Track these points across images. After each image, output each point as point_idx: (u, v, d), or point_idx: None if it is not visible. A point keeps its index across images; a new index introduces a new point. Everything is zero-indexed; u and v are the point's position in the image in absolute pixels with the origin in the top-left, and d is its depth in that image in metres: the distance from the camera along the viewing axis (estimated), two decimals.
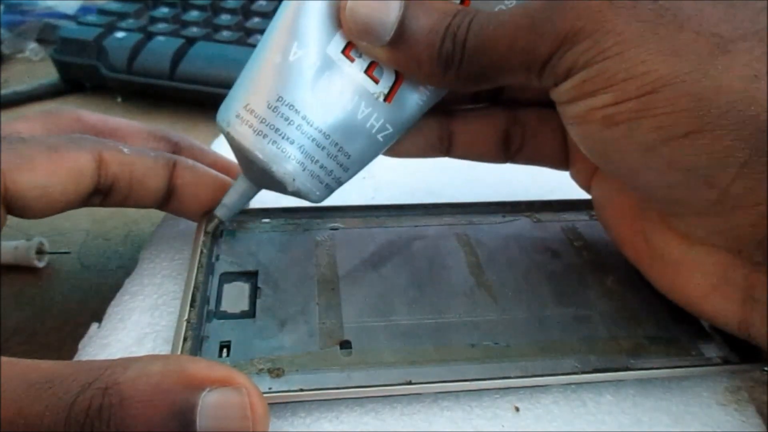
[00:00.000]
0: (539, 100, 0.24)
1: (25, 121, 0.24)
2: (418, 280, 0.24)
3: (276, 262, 0.25)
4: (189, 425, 0.15)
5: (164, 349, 0.22)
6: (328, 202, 0.24)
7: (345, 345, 0.21)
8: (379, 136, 0.22)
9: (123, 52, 0.44)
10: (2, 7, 0.55)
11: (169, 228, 0.28)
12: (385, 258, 0.25)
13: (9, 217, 0.21)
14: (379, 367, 0.20)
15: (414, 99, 0.22)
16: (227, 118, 0.21)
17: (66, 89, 0.47)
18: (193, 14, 0.48)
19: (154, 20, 0.47)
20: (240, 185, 0.23)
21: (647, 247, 0.22)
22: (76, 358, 0.22)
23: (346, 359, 0.21)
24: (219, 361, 0.20)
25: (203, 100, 0.42)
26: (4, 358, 0.16)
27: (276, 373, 0.20)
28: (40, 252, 0.29)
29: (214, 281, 0.24)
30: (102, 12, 0.49)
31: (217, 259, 0.25)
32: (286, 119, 0.20)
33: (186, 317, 0.21)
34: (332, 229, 0.27)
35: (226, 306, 0.23)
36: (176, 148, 0.27)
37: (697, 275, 0.20)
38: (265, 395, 0.18)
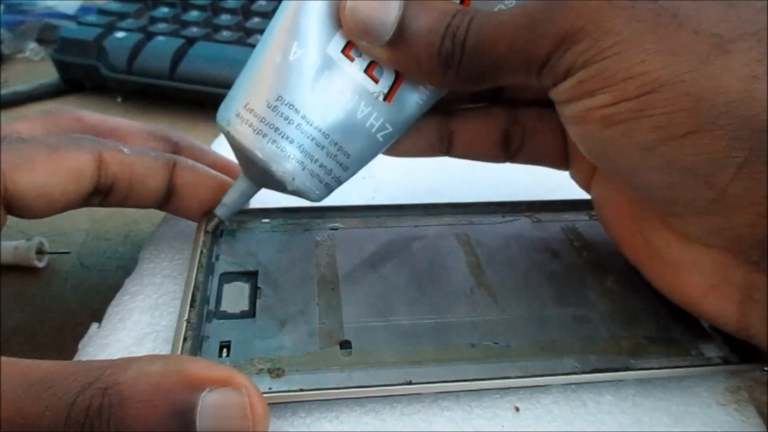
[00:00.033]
0: (539, 100, 0.24)
1: (25, 121, 0.24)
2: (418, 280, 0.24)
3: (276, 262, 0.25)
4: (189, 425, 0.15)
5: (164, 349, 0.22)
6: (328, 201, 0.24)
7: (345, 345, 0.21)
8: (379, 136, 0.22)
9: (123, 52, 0.44)
10: (2, 7, 0.55)
11: (169, 228, 0.28)
12: (385, 258, 0.25)
13: (9, 217, 0.21)
14: (379, 367, 0.20)
15: (414, 98, 0.22)
16: (227, 117, 0.21)
17: (66, 89, 0.47)
18: (193, 14, 0.48)
19: (154, 20, 0.47)
20: (240, 184, 0.23)
21: (646, 246, 0.22)
22: (76, 358, 0.22)
23: (346, 359, 0.21)
24: (219, 361, 0.20)
25: (203, 100, 0.42)
26: (4, 358, 0.16)
27: (276, 373, 0.20)
28: (40, 252, 0.29)
29: (214, 281, 0.24)
30: (102, 12, 0.49)
31: (217, 259, 0.25)
32: (286, 118, 0.20)
33: (186, 317, 0.21)
34: (332, 229, 0.27)
35: (226, 306, 0.23)
36: (176, 148, 0.27)
37: (696, 275, 0.20)
38: (265, 395, 0.18)
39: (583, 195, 0.26)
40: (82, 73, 0.46)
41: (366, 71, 0.21)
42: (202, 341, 0.21)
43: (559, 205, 0.29)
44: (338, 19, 0.20)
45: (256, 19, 0.47)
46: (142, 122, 0.28)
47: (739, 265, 0.19)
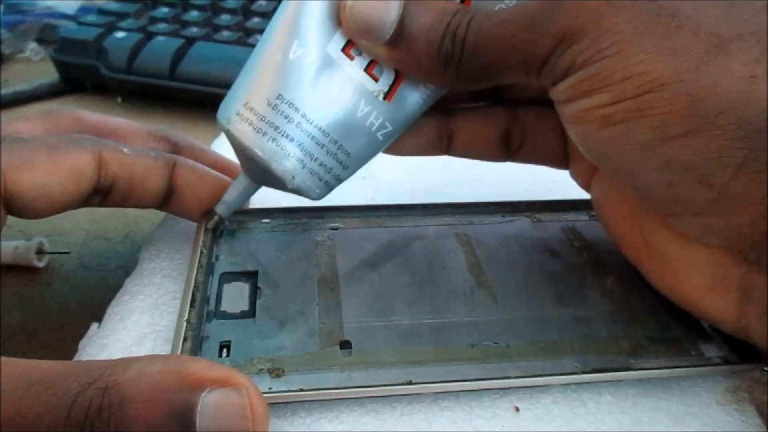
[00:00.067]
0: (539, 99, 0.24)
1: (25, 121, 0.24)
2: (418, 280, 0.24)
3: (276, 262, 0.25)
4: (189, 425, 0.15)
5: (164, 349, 0.22)
6: (328, 201, 0.24)
7: (345, 345, 0.21)
8: (379, 134, 0.22)
9: (123, 52, 0.44)
10: (2, 7, 0.55)
11: (169, 228, 0.28)
12: (385, 258, 0.25)
13: (9, 217, 0.21)
14: (379, 367, 0.20)
15: (414, 97, 0.22)
16: (227, 115, 0.21)
17: (66, 89, 0.47)
18: (193, 14, 0.48)
19: (154, 20, 0.47)
20: (240, 182, 0.23)
21: (646, 246, 0.22)
22: (76, 358, 0.22)
23: (346, 359, 0.21)
24: (219, 361, 0.20)
25: (203, 100, 0.42)
26: (4, 358, 0.16)
27: (276, 373, 0.20)
28: (40, 252, 0.29)
29: (214, 281, 0.24)
30: (102, 12, 0.49)
31: (217, 259, 0.25)
32: (286, 117, 0.20)
33: (186, 317, 0.21)
34: (332, 229, 0.27)
35: (226, 306, 0.23)
36: (176, 148, 0.27)
37: (695, 275, 0.20)
38: (265, 395, 0.18)
39: (583, 195, 0.26)
40: (82, 73, 0.46)
41: (366, 70, 0.21)
42: (202, 341, 0.21)
43: (559, 205, 0.29)
44: (338, 18, 0.20)
45: (256, 19, 0.47)
46: (142, 122, 0.28)
47: (738, 264, 0.19)
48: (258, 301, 0.23)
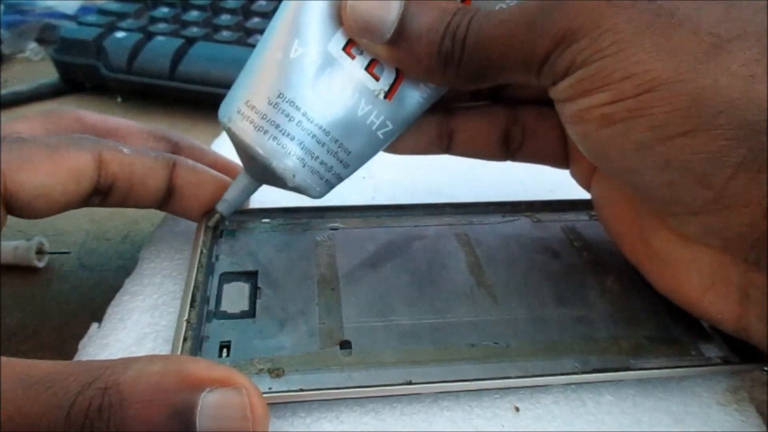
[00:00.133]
0: (540, 99, 0.24)
1: (25, 121, 0.24)
2: (418, 280, 0.24)
3: (276, 262, 0.25)
4: (189, 425, 0.15)
5: (164, 349, 0.22)
6: (328, 201, 0.24)
7: (345, 345, 0.21)
8: (380, 133, 0.22)
9: (123, 52, 0.44)
10: (2, 7, 0.55)
11: (169, 228, 0.28)
12: (385, 258, 0.25)
13: (9, 217, 0.21)
14: (379, 367, 0.20)
15: (414, 96, 0.22)
16: (229, 114, 0.21)
17: (66, 89, 0.47)
18: (193, 14, 0.48)
19: (154, 20, 0.47)
20: (241, 180, 0.23)
21: (646, 246, 0.22)
22: (76, 358, 0.22)
23: (346, 359, 0.21)
24: (219, 361, 0.20)
25: (203, 100, 0.42)
26: (4, 358, 0.16)
27: (276, 373, 0.20)
28: (40, 252, 0.29)
29: (214, 281, 0.24)
30: (102, 12, 0.49)
31: (217, 259, 0.25)
32: (287, 115, 0.20)
33: (186, 317, 0.21)
34: (332, 229, 0.27)
35: (226, 306, 0.23)
36: (176, 148, 0.27)
37: (695, 274, 0.20)
38: (265, 395, 0.18)
39: (583, 195, 0.26)
40: (82, 73, 0.46)
41: (367, 69, 0.21)
42: (202, 341, 0.21)
43: (559, 205, 0.29)
44: (339, 17, 0.20)
45: (256, 19, 0.47)
46: (142, 122, 0.28)
47: (738, 264, 0.19)
48: (258, 301, 0.23)
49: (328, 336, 0.21)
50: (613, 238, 0.24)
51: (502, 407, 0.20)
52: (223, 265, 0.24)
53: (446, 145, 0.25)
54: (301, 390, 0.19)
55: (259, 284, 0.24)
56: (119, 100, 0.46)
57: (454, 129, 0.24)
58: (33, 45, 0.53)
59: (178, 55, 0.43)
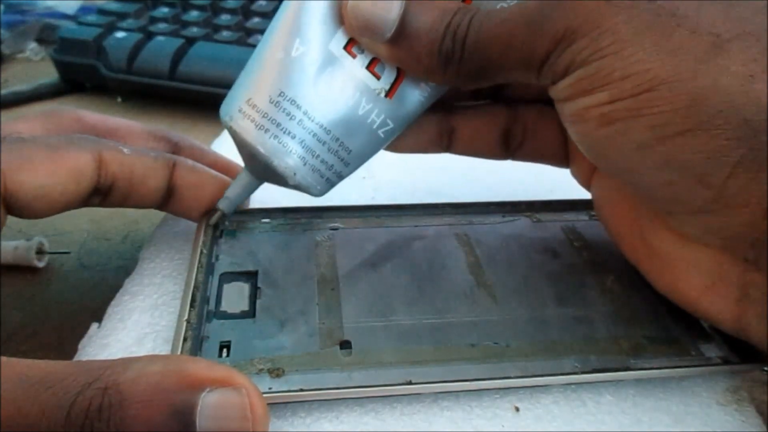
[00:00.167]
0: (540, 98, 0.24)
1: (25, 121, 0.24)
2: (418, 280, 0.24)
3: (276, 262, 0.25)
4: (189, 425, 0.15)
5: (164, 349, 0.22)
6: (328, 201, 0.24)
7: (345, 345, 0.21)
8: (380, 132, 0.22)
9: (123, 52, 0.44)
10: (2, 7, 0.55)
11: (169, 228, 0.28)
12: (385, 258, 0.25)
13: (9, 217, 0.21)
14: (379, 367, 0.20)
15: (415, 95, 0.22)
16: (230, 112, 0.21)
17: (66, 89, 0.47)
18: (193, 14, 0.48)
19: (154, 20, 0.47)
20: (243, 178, 0.24)
21: (645, 245, 0.22)
22: (76, 358, 0.22)
23: (346, 359, 0.21)
24: (219, 361, 0.20)
25: (203, 100, 0.42)
26: (4, 358, 0.16)
27: (276, 373, 0.20)
28: (40, 252, 0.29)
29: (214, 281, 0.24)
30: (102, 12, 0.49)
31: (217, 259, 0.25)
32: (288, 114, 0.21)
33: (186, 317, 0.21)
34: (332, 229, 0.27)
35: (226, 306, 0.23)
36: (176, 148, 0.27)
37: (694, 274, 0.20)
38: (265, 395, 0.18)
39: (583, 195, 0.26)
40: (82, 73, 0.46)
41: (368, 68, 0.21)
42: (202, 341, 0.21)
43: (559, 205, 0.29)
44: (340, 16, 0.20)
45: (256, 19, 0.47)
46: (142, 122, 0.28)
47: (737, 264, 0.19)
48: (258, 301, 0.23)
49: (328, 336, 0.21)
50: (613, 238, 0.24)
51: (502, 407, 0.20)
52: (223, 265, 0.24)
53: (447, 143, 0.25)
54: (301, 390, 0.19)
55: (259, 284, 0.24)
56: (119, 100, 0.46)
57: (455, 128, 0.24)
58: (33, 45, 0.53)
59: (178, 55, 0.43)
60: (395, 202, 0.28)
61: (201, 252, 0.24)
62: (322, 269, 0.24)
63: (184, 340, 0.20)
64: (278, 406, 0.20)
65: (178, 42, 0.44)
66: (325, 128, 0.21)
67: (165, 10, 0.48)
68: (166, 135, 0.27)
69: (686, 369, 0.21)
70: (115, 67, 0.44)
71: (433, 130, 0.24)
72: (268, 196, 0.24)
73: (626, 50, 0.17)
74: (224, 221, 0.26)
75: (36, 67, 0.51)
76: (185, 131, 0.40)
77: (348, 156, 0.22)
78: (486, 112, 0.25)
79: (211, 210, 0.25)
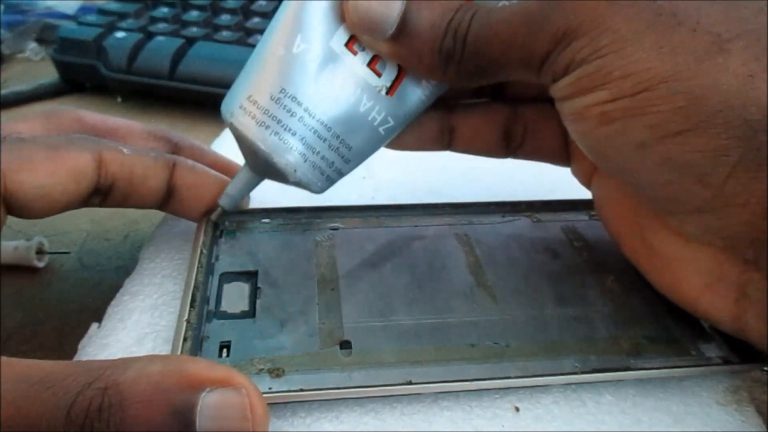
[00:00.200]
0: (541, 96, 0.24)
1: (25, 121, 0.24)
2: (418, 280, 0.24)
3: (276, 262, 0.25)
4: (189, 425, 0.15)
5: (164, 349, 0.22)
6: (328, 201, 0.24)
7: (345, 345, 0.21)
8: (381, 129, 0.22)
9: (123, 52, 0.44)
10: (2, 7, 0.55)
11: (169, 228, 0.28)
12: (385, 258, 0.25)
13: (9, 217, 0.21)
14: (379, 367, 0.20)
15: (416, 93, 0.22)
16: (231, 109, 0.21)
17: (66, 89, 0.47)
18: (193, 14, 0.48)
19: (154, 20, 0.47)
20: (244, 175, 0.24)
21: (645, 245, 0.22)
22: (76, 358, 0.22)
23: (346, 359, 0.21)
24: (219, 361, 0.20)
25: (203, 100, 0.42)
26: (4, 358, 0.16)
27: (276, 373, 0.20)
28: (40, 252, 0.29)
29: (214, 281, 0.24)
30: (102, 12, 0.49)
31: (217, 259, 0.25)
32: (289, 111, 0.21)
33: (186, 317, 0.21)
34: (332, 229, 0.27)
35: (226, 306, 0.23)
36: (176, 148, 0.27)
37: (693, 273, 0.20)
38: (265, 395, 0.18)
39: (583, 195, 0.26)
40: (82, 73, 0.46)
41: (369, 65, 0.21)
42: (202, 341, 0.21)
43: (559, 205, 0.29)
44: (342, 14, 0.20)
45: (256, 19, 0.47)
46: (142, 122, 0.28)
47: (736, 263, 0.19)
48: (258, 301, 0.23)
49: (328, 336, 0.21)
50: (613, 238, 0.24)
51: (502, 407, 0.20)
52: (223, 265, 0.24)
53: (447, 141, 0.25)
54: (301, 390, 0.19)
55: (259, 284, 0.24)
56: (119, 100, 0.46)
57: (456, 126, 0.24)
58: (33, 45, 0.53)
59: (178, 55, 0.43)
60: (395, 202, 0.28)
61: (201, 252, 0.24)
62: (322, 269, 0.24)
63: (184, 340, 0.20)
64: (278, 406, 0.20)
65: (178, 42, 0.44)
66: (326, 125, 0.21)
67: (165, 10, 0.48)
68: (166, 135, 0.27)
69: (686, 369, 0.21)
70: (115, 67, 0.44)
71: (434, 128, 0.24)
72: (268, 196, 0.24)
73: (626, 49, 0.17)
74: (225, 219, 0.26)
75: (36, 67, 0.51)
76: (185, 131, 0.40)
77: (349, 153, 0.22)
78: (487, 111, 0.25)
79: (210, 211, 0.25)
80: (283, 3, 0.21)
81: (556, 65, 0.18)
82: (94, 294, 0.28)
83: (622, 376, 0.21)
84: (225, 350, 0.21)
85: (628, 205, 0.23)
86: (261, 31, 0.45)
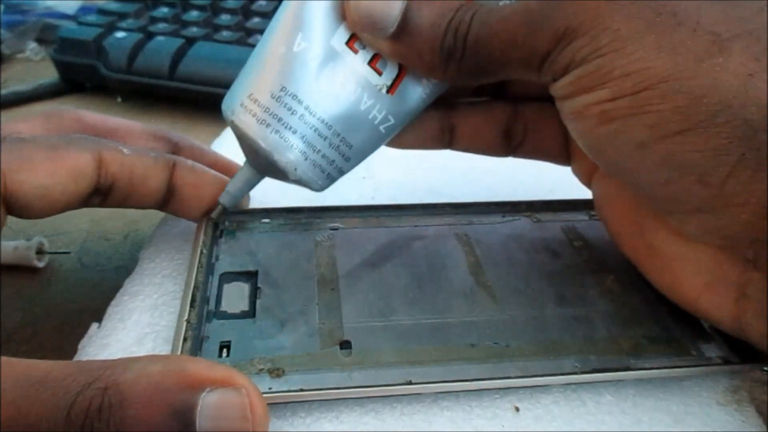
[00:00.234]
0: (541, 95, 0.24)
1: (25, 121, 0.24)
2: (418, 280, 0.24)
3: (276, 262, 0.25)
4: (189, 425, 0.15)
5: (164, 349, 0.22)
6: (328, 201, 0.24)
7: (345, 345, 0.21)
8: (381, 128, 0.22)
9: (123, 52, 0.44)
10: (2, 7, 0.55)
11: (169, 228, 0.28)
12: (385, 258, 0.25)
13: (9, 217, 0.21)
14: (379, 367, 0.20)
15: (417, 92, 0.22)
16: (232, 106, 0.21)
17: (66, 89, 0.47)
18: (193, 14, 0.48)
19: (154, 20, 0.47)
20: (244, 173, 0.24)
21: (645, 244, 0.22)
22: (76, 358, 0.22)
23: (346, 359, 0.21)
24: (219, 361, 0.20)
25: (203, 100, 0.42)
26: (4, 358, 0.16)
27: (276, 373, 0.20)
28: (40, 252, 0.29)
29: (214, 281, 0.24)
30: (102, 12, 0.49)
31: (217, 259, 0.25)
32: (289, 109, 0.21)
33: (186, 317, 0.21)
34: (332, 229, 0.27)
35: (226, 306, 0.23)
36: (176, 148, 0.27)
37: (693, 273, 0.20)
38: (265, 395, 0.18)
39: (583, 195, 0.26)
40: (82, 73, 0.46)
41: (369, 63, 0.21)
42: (202, 341, 0.21)
43: (559, 205, 0.29)
44: (343, 12, 0.20)
45: (256, 19, 0.47)
46: (142, 122, 0.28)
47: (736, 263, 0.19)
48: (258, 301, 0.23)
49: (328, 336, 0.21)
50: (613, 237, 0.24)
51: (502, 407, 0.20)
52: (223, 265, 0.24)
53: (448, 140, 0.25)
54: (301, 390, 0.19)
55: (259, 284, 0.24)
56: (119, 100, 0.46)
57: (456, 124, 0.25)
58: (33, 45, 0.53)
59: (178, 55, 0.43)
60: (395, 202, 0.28)
61: (201, 252, 0.24)
62: (322, 269, 0.24)
63: (184, 340, 0.20)
64: (278, 406, 0.20)
65: (178, 42, 0.44)
66: (327, 123, 0.21)
67: (165, 10, 0.48)
68: (166, 135, 0.27)
69: (686, 369, 0.21)
70: (115, 67, 0.44)
71: (435, 126, 0.24)
72: (268, 196, 0.24)
73: (626, 48, 0.17)
74: (225, 219, 0.26)
75: (36, 67, 0.51)
76: (185, 131, 0.40)
77: (349, 151, 0.22)
78: (487, 109, 0.25)
79: (210, 212, 0.25)
80: (284, 2, 0.21)
81: (557, 64, 0.18)
82: (94, 294, 0.28)
83: (622, 376, 0.21)
84: (225, 350, 0.21)
85: (628, 204, 0.23)
86: (261, 31, 0.45)
